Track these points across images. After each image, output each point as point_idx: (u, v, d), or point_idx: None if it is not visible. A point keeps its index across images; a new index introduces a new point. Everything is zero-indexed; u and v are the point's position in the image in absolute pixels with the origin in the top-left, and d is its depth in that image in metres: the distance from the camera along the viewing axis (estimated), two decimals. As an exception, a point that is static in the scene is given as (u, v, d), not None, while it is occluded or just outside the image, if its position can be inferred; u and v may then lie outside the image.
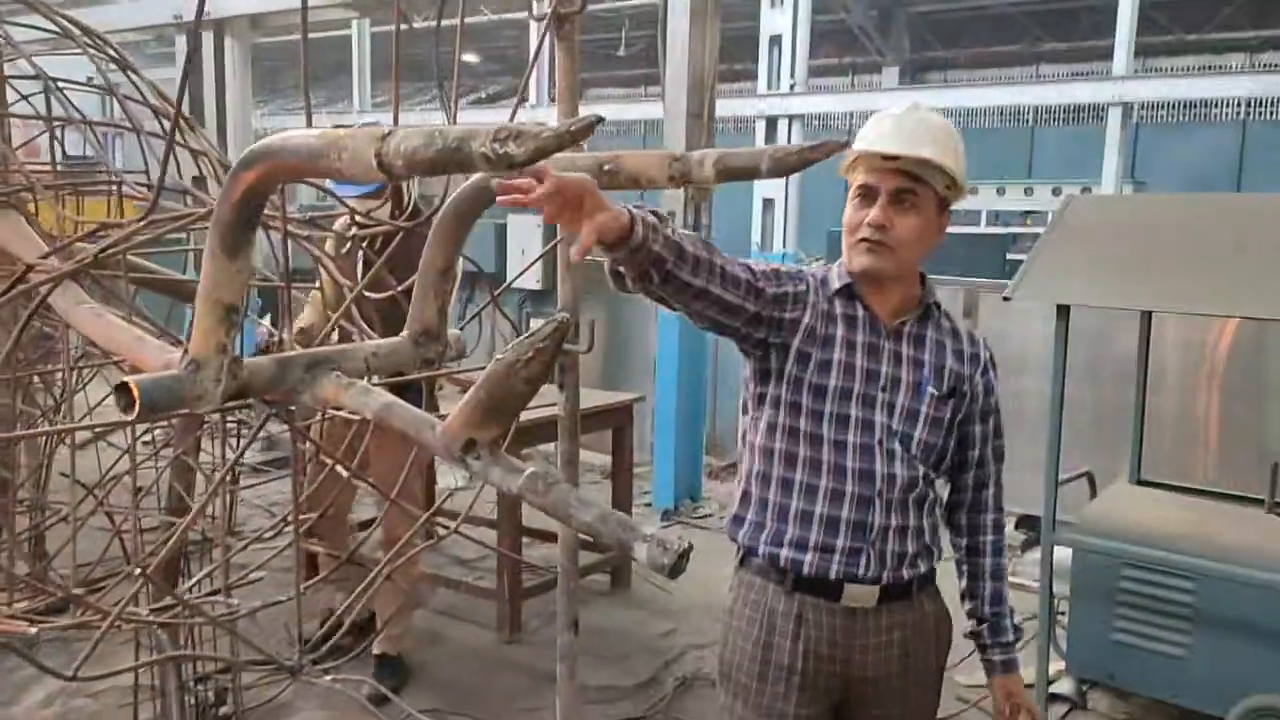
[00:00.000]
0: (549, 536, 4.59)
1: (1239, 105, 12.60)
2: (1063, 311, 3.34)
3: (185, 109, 1.65)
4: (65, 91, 2.18)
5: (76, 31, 2.29)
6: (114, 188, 2.02)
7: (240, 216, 1.26)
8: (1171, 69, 13.33)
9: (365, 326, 1.99)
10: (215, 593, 1.85)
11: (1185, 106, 12.62)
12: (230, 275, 1.30)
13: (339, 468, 1.92)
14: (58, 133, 2.11)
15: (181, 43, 7.31)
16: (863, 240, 1.83)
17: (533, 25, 10.40)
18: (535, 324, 1.21)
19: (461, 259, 1.64)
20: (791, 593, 1.89)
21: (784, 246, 7.17)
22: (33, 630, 1.52)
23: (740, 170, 1.56)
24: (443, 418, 1.28)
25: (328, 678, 1.74)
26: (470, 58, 17.01)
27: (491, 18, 11.43)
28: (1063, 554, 3.58)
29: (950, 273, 5.87)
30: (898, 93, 12.35)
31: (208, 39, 6.99)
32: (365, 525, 4.37)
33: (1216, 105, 12.70)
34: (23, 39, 2.37)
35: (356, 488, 3.51)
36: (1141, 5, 8.32)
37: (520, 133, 0.98)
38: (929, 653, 1.98)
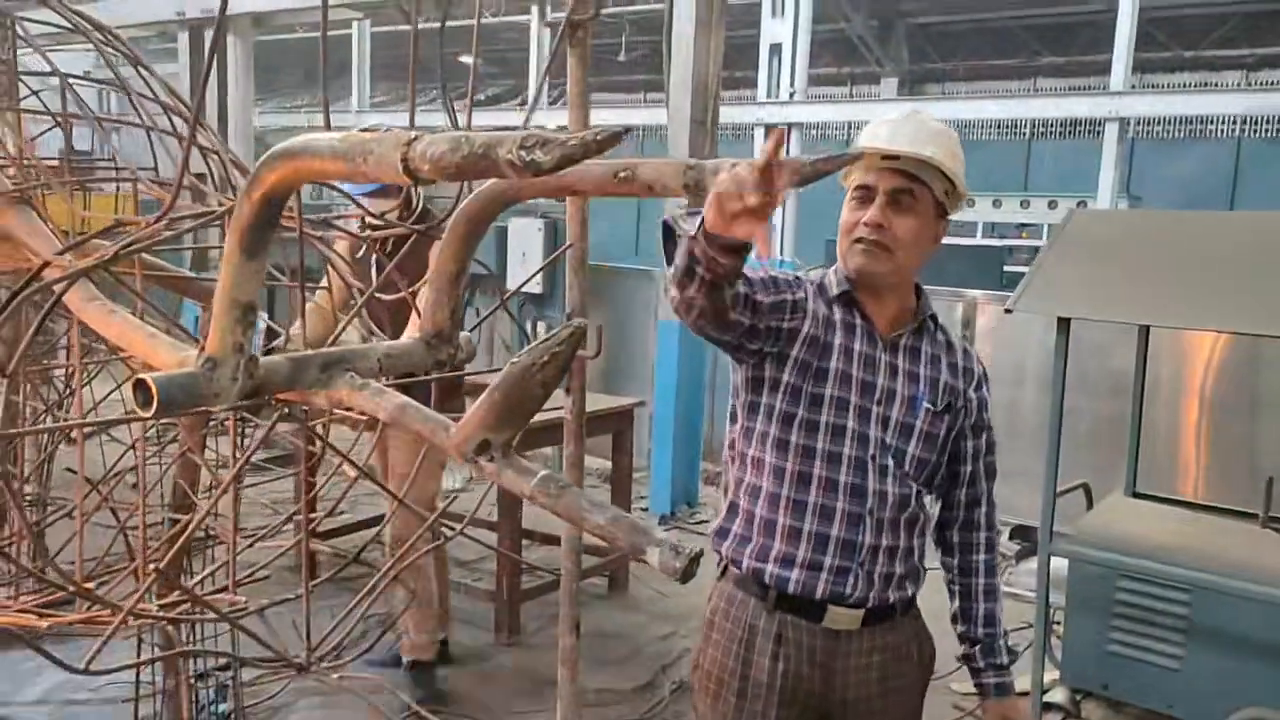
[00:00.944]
0: (547, 539, 4.60)
1: (1234, 122, 12.65)
2: (1063, 324, 3.36)
3: (193, 106, 1.66)
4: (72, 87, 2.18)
5: (88, 26, 2.30)
6: (129, 184, 2.02)
7: (260, 217, 1.27)
8: (1168, 85, 13.41)
9: (375, 328, 2.01)
10: (221, 590, 1.86)
11: (1181, 122, 12.67)
12: (248, 275, 1.31)
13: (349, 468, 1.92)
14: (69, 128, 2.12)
15: (184, 39, 7.31)
16: (859, 241, 1.80)
17: (534, 29, 10.43)
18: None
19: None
20: (773, 611, 1.85)
21: (781, 254, 7.19)
22: (44, 625, 1.52)
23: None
24: (456, 419, 1.29)
25: (335, 675, 1.75)
26: (468, 59, 17.06)
27: (494, 20, 11.45)
28: (1058, 565, 3.60)
29: (948, 284, 5.89)
30: (896, 103, 12.40)
31: (210, 37, 7.01)
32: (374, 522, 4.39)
33: (1212, 122, 12.75)
34: (31, 33, 2.38)
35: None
36: (1140, 21, 8.37)
37: (547, 140, 1.00)
38: (910, 674, 1.95)
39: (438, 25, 1.92)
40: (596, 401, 4.44)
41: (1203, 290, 3.29)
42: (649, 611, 4.45)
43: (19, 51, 2.22)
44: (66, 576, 1.45)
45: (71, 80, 2.27)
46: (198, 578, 2.25)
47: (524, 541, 4.38)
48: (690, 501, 6.08)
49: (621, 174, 1.72)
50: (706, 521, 5.77)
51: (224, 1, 1.52)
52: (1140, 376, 4.14)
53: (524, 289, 6.99)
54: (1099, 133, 8.77)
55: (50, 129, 2.37)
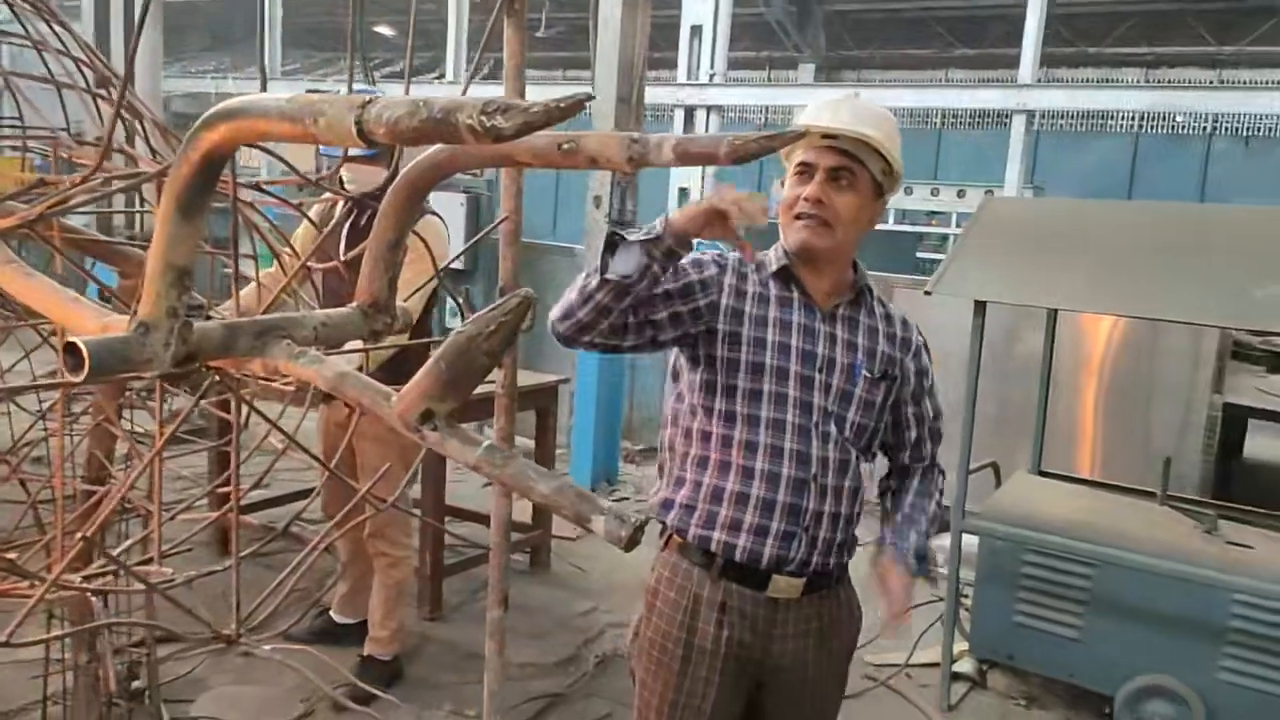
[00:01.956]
0: (469, 515, 4.57)
1: (1133, 118, 13.19)
2: (979, 307, 3.48)
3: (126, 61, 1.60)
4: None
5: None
6: (49, 146, 1.94)
7: (199, 178, 1.23)
8: (1072, 80, 13.88)
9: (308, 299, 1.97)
10: (145, 562, 1.81)
11: (1083, 116, 13.16)
12: (184, 237, 1.26)
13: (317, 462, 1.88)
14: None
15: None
16: (799, 216, 1.87)
17: (452, 3, 10.28)
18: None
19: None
20: (717, 580, 1.90)
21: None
22: (-40, 597, 1.46)
23: (699, 155, 1.57)
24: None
25: (267, 647, 1.72)
26: (385, 30, 16.68)
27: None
28: (968, 542, 3.73)
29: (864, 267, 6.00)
30: (813, 89, 12.57)
31: (116, -5, 6.72)
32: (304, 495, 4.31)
33: (1112, 117, 13.28)
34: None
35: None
36: (1048, 17, 8.64)
37: (509, 106, 0.99)
38: (841, 641, 2.02)
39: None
40: (521, 378, 4.41)
41: (1106, 276, 3.43)
42: (570, 588, 4.47)
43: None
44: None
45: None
46: (118, 550, 2.19)
47: (445, 519, 4.35)
48: (610, 479, 6.11)
49: (565, 145, 1.72)
50: (626, 499, 5.81)
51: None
52: (1048, 359, 4.30)
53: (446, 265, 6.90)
54: (1007, 124, 9.04)
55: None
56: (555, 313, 1.80)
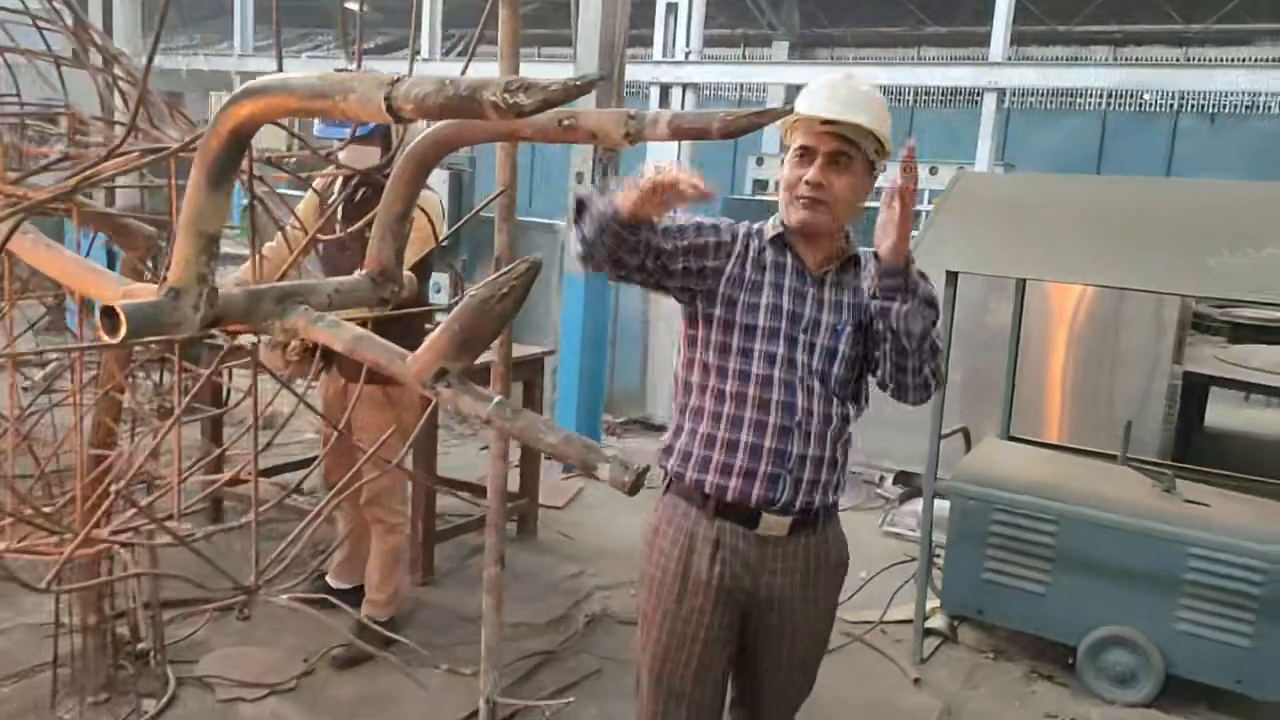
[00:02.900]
0: (459, 484, 4.68)
1: (1101, 95, 13.39)
2: (952, 278, 3.61)
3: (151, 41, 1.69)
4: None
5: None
6: (66, 121, 2.01)
7: (228, 151, 1.33)
8: (1042, 58, 14.05)
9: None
10: (168, 517, 1.90)
11: (1053, 94, 13.35)
12: (213, 206, 1.36)
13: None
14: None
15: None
16: (800, 197, 2.03)
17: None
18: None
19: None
20: (713, 519, 2.10)
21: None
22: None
23: (692, 130, 1.67)
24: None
25: (284, 598, 1.82)
26: (353, 6, 16.56)
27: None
28: (940, 505, 3.89)
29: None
30: (787, 66, 12.66)
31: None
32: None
33: (1081, 95, 13.48)
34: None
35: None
36: (1017, -5, 8.75)
37: (530, 84, 1.09)
38: (827, 576, 2.20)
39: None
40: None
41: (1072, 248, 3.58)
42: (558, 553, 4.60)
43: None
44: (28, 500, 1.49)
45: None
46: (129, 511, 2.28)
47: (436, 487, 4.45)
48: (592, 451, 6.23)
49: (565, 121, 1.82)
50: (608, 470, 5.93)
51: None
52: (1016, 329, 4.45)
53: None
54: (978, 102, 9.17)
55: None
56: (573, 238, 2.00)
